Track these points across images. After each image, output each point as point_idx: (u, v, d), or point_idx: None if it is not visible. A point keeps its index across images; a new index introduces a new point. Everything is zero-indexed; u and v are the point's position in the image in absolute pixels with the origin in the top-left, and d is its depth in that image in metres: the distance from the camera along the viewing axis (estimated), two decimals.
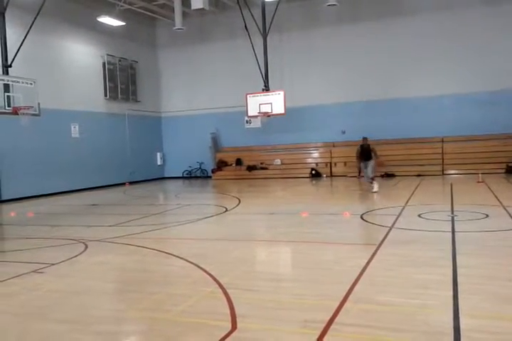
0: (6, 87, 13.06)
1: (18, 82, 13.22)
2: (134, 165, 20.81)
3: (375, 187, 12.88)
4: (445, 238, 6.71)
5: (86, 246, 7.17)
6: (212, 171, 21.52)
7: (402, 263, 5.53)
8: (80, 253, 6.71)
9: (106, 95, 19.69)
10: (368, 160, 13.07)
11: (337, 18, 19.83)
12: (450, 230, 7.23)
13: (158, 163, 22.86)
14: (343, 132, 20.05)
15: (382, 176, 18.13)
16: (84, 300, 4.70)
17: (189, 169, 22.52)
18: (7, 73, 13.36)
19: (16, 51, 13.32)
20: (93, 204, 13.36)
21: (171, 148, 23.10)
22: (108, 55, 19.79)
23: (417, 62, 18.88)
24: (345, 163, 19.36)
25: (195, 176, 22.33)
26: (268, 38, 18.63)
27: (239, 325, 3.78)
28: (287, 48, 20.38)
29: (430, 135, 18.90)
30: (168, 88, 23.04)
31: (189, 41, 21.96)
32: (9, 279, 5.45)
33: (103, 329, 3.86)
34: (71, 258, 6.44)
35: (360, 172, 18.11)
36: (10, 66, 13.49)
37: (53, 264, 6.09)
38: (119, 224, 9.31)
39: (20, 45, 13.43)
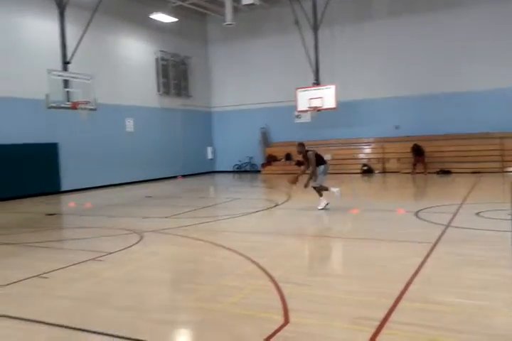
0: (66, 83, 13.63)
1: (76, 77, 13.76)
2: (186, 158, 21.22)
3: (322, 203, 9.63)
4: (505, 237, 6.41)
5: (141, 237, 7.39)
6: (262, 166, 21.58)
7: (459, 263, 5.34)
8: (136, 243, 6.93)
9: (159, 90, 20.14)
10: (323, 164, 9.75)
11: (390, 10, 19.31)
12: (510, 229, 6.90)
13: (209, 157, 23.19)
14: (397, 127, 19.55)
15: (437, 173, 17.55)
16: (141, 288, 4.85)
17: (239, 163, 22.71)
18: (66, 69, 13.93)
19: (74, 48, 13.86)
20: (148, 196, 13.74)
21: (221, 143, 23.36)
22: (161, 51, 20.22)
23: (474, 54, 18.07)
24: (398, 159, 18.89)
25: (245, 170, 22.48)
26: (319, 32, 18.39)
27: (291, 319, 3.79)
28: (338, 42, 20.05)
29: (489, 130, 18.07)
30: (219, 83, 23.28)
31: (239, 36, 22.06)
32: (70, 266, 5.71)
33: (160, 318, 3.97)
34: (127, 247, 6.67)
35: (414, 168, 17.68)
36: (69, 62, 14.06)
37: (111, 253, 6.32)
38: (173, 215, 9.53)
39: (79, 43, 13.95)
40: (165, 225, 8.38)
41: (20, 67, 14.17)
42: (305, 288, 4.61)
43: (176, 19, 19.23)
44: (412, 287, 4.49)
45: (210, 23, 23.03)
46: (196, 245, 6.80)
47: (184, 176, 20.70)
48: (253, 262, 5.56)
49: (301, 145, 9.82)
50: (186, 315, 4.10)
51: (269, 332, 3.52)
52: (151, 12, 18.39)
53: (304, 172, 9.84)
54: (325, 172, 9.69)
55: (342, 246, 6.80)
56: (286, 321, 3.74)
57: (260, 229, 8.05)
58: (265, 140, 22.12)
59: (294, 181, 9.75)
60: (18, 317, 4.06)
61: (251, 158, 22.39)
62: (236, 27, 18.70)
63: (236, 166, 22.79)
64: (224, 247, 6.47)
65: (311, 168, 9.54)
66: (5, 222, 9.90)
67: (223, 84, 23.13)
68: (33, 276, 5.29)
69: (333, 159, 20.26)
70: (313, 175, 9.44)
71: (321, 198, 9.63)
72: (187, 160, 21.30)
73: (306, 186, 9.55)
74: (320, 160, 9.62)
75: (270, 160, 21.50)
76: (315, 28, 18.35)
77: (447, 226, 7.42)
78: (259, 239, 7.18)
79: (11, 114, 13.87)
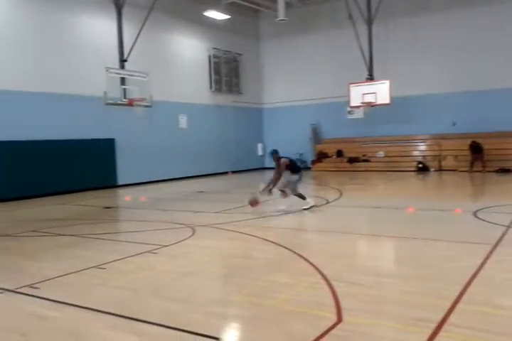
0: (122, 80, 14.08)
1: (132, 75, 14.19)
2: (237, 155, 21.41)
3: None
4: None
5: (194, 231, 7.52)
6: (312, 162, 21.41)
7: None
8: (189, 237, 7.07)
9: (211, 87, 20.39)
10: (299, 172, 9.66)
11: (446, 2, 18.57)
12: None
13: (259, 153, 23.27)
14: (454, 124, 18.82)
15: (497, 171, 16.76)
16: (194, 281, 4.94)
17: None
18: (123, 67, 14.38)
19: (130, 46, 14.27)
20: (199, 191, 13.97)
21: (271, 139, 23.35)
22: (213, 48, 20.43)
23: None
24: (455, 157, 18.18)
25: None
26: (373, 26, 18.00)
27: (344, 317, 3.73)
28: (393, 36, 19.48)
29: None
30: (270, 79, 23.27)
31: (292, 32, 21.93)
32: (127, 257, 5.90)
33: (212, 311, 4.02)
34: (181, 241, 6.81)
35: (472, 166, 16.95)
36: (126, 60, 14.51)
37: (165, 246, 6.48)
38: (224, 211, 9.64)
39: (135, 41, 14.35)
40: (216, 220, 8.49)
41: (79, 65, 14.74)
42: (358, 287, 4.53)
43: (228, 16, 19.38)
44: (470, 289, 4.31)
45: (263, 20, 23.03)
46: (247, 240, 6.84)
47: (234, 172, 20.89)
48: (304, 259, 5.52)
49: (275, 151, 9.69)
50: (238, 309, 4.12)
51: (322, 330, 3.48)
52: (205, 9, 18.62)
53: (276, 181, 9.49)
54: (299, 181, 9.63)
55: (396, 246, 6.62)
56: (339, 319, 3.70)
57: (311, 226, 8.00)
58: (316, 136, 21.92)
59: (255, 204, 9.33)
60: (78, 305, 4.23)
61: (301, 154, 22.24)
62: (288, 23, 18.64)
63: None
64: (274, 243, 6.47)
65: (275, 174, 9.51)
66: (65, 214, 10.37)
67: (274, 81, 23.11)
68: (92, 267, 5.50)
69: (386, 156, 19.84)
70: (275, 181, 9.39)
71: (306, 200, 9.51)
72: (238, 157, 21.48)
73: (270, 192, 9.46)
74: (294, 169, 9.53)
75: (321, 156, 21.29)
76: (369, 23, 17.98)
77: (508, 227, 7.07)
78: (310, 236, 7.13)
79: (71, 110, 14.46)
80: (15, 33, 13.19)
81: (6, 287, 4.81)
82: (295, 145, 22.17)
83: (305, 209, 9.37)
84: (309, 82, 21.75)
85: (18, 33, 13.28)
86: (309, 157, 21.88)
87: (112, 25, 14.71)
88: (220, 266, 5.82)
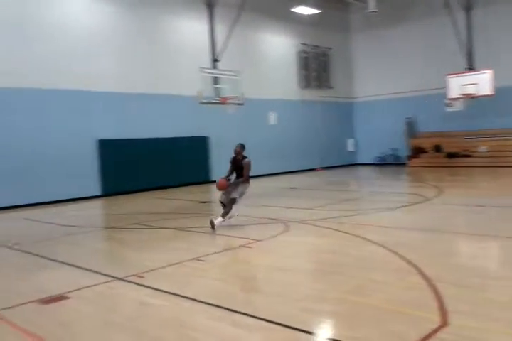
0: (215, 80, 14.52)
1: (224, 74, 14.57)
2: (326, 151, 21.15)
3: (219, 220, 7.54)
4: None
5: (286, 226, 7.56)
6: (408, 158, 20.55)
7: None
8: (282, 233, 7.11)
9: (300, 83, 20.33)
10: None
11: None
12: None
13: (350, 149, 22.79)
14: None
15: None
16: (289, 276, 4.96)
17: (381, 155, 21.93)
18: (215, 67, 14.82)
19: (221, 46, 14.64)
20: (292, 188, 13.99)
21: (362, 134, 22.79)
22: (302, 43, 20.34)
23: None
24: None
25: (388, 163, 21.63)
26: (472, 13, 16.82)
27: (450, 320, 3.53)
28: (494, 22, 17.95)
29: None
30: (361, 73, 22.68)
31: (383, 23, 21.14)
32: (224, 251, 6.09)
33: (307, 306, 4.01)
34: (274, 236, 6.87)
35: None
36: (218, 60, 14.94)
37: (259, 240, 6.57)
38: (316, 207, 9.57)
39: (226, 41, 14.69)
40: (309, 216, 8.46)
41: (174, 66, 15.36)
42: (463, 289, 4.27)
43: (318, 11, 19.15)
44: None
45: (352, 13, 22.46)
46: (340, 237, 6.73)
47: (324, 168, 20.66)
48: (402, 258, 5.31)
49: (243, 146, 8.05)
50: (333, 305, 4.07)
51: (425, 332, 3.33)
52: (293, 5, 18.58)
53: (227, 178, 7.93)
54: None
55: (504, 246, 6.12)
56: (445, 322, 3.50)
57: (408, 224, 7.67)
58: (411, 130, 20.99)
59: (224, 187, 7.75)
60: (180, 294, 4.43)
61: (395, 149, 21.46)
62: (379, 14, 18.01)
63: (378, 158, 22.06)
64: (370, 241, 6.30)
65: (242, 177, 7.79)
66: (165, 208, 10.92)
67: (365, 74, 22.49)
68: (191, 259, 5.73)
69: (489, 151, 18.49)
70: (242, 184, 7.74)
71: (220, 218, 7.55)
72: (327, 152, 21.21)
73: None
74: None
75: (417, 152, 20.35)
76: (467, 9, 16.84)
77: None
78: (407, 234, 6.85)
79: (168, 109, 15.16)
80: (114, 38, 14.02)
81: (115, 275, 5.18)
82: (388, 140, 21.45)
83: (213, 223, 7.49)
84: (402, 74, 20.87)
85: (118, 38, 14.12)
86: (403, 152, 21.03)
87: (203, 26, 15.18)
88: (314, 262, 5.78)
